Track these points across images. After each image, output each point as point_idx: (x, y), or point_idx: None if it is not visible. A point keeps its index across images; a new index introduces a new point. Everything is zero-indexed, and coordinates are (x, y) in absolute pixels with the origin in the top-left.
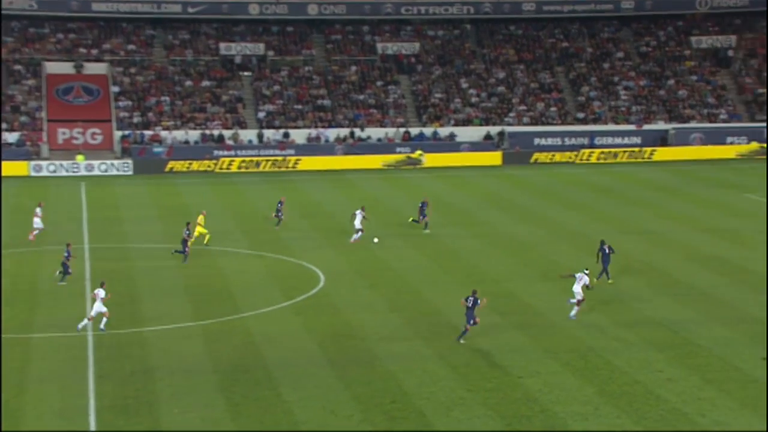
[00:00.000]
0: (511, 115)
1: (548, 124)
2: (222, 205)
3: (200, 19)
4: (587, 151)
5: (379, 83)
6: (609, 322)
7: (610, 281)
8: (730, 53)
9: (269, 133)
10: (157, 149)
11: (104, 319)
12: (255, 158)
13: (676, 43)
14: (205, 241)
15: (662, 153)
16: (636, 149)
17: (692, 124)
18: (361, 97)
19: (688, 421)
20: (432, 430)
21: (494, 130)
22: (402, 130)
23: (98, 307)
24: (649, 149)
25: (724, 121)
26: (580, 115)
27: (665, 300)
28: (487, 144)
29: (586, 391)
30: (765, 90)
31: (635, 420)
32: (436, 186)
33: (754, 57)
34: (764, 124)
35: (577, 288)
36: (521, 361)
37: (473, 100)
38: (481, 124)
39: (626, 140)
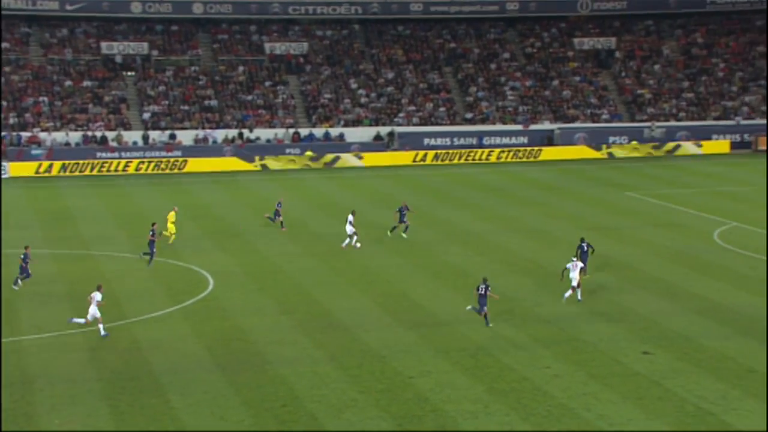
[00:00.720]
0: (401, 115)
1: (437, 124)
2: (106, 208)
3: (79, 17)
4: (476, 150)
5: (267, 84)
6: (498, 320)
7: (587, 276)
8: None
9: (155, 135)
10: (36, 151)
11: (100, 325)
12: (140, 160)
13: (560, 45)
14: (170, 241)
15: (548, 152)
16: (523, 149)
17: (576, 124)
18: (250, 97)
19: (573, 416)
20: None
21: (384, 130)
22: (291, 131)
23: (93, 311)
24: (535, 149)
25: (607, 121)
26: (469, 116)
27: (552, 298)
28: (377, 144)
29: (476, 390)
30: (644, 91)
31: (523, 416)
32: (327, 187)
33: (632, 59)
34: (645, 124)
35: (574, 274)
36: (412, 361)
37: (363, 100)
38: (370, 125)
39: (513, 140)
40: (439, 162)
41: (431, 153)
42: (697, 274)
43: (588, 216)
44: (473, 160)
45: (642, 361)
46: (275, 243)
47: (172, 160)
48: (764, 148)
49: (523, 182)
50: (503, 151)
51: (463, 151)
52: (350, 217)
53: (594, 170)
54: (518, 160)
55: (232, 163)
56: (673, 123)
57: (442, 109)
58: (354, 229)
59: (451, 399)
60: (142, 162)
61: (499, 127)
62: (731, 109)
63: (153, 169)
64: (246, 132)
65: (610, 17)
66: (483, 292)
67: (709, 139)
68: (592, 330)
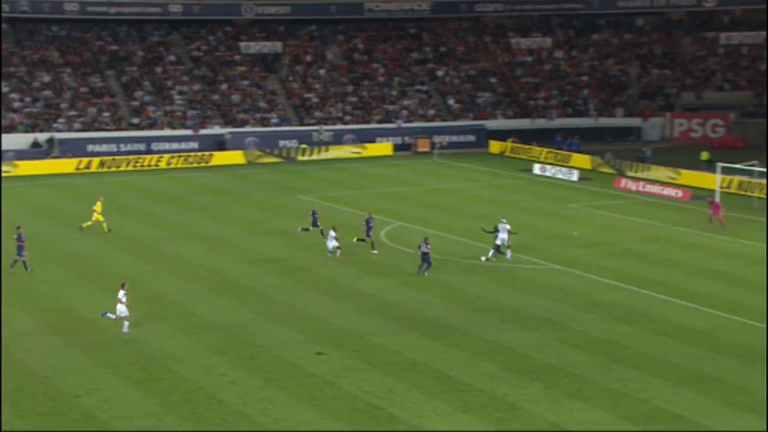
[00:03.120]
0: (61, 120)
1: (102, 129)
2: None
3: None
4: (145, 157)
5: None
6: (172, 330)
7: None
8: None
9: None
10: None
11: (125, 323)
12: None
13: (227, 48)
14: (92, 223)
15: (219, 157)
16: (193, 154)
17: (247, 129)
18: None
19: (249, 422)
20: None
21: (42, 136)
22: None
23: (121, 309)
24: (206, 154)
25: (277, 125)
26: (135, 121)
27: (227, 303)
28: (35, 152)
29: (148, 403)
30: (311, 95)
31: (198, 427)
32: None
33: (299, 63)
34: (313, 128)
35: (504, 235)
36: (79, 379)
37: (16, 105)
38: (26, 131)
39: (183, 145)
40: (105, 169)
41: (96, 160)
42: (366, 274)
43: (261, 220)
44: (142, 166)
45: (316, 361)
46: None
47: None
48: (425, 149)
49: (195, 188)
50: (173, 157)
51: (130, 157)
52: (332, 233)
53: (266, 174)
54: (189, 165)
55: None
56: (340, 126)
57: (106, 114)
58: (336, 243)
59: (121, 415)
60: None
61: (168, 132)
62: (392, 113)
63: None
64: None
65: (275, 21)
66: (426, 249)
67: (374, 141)
68: (266, 334)
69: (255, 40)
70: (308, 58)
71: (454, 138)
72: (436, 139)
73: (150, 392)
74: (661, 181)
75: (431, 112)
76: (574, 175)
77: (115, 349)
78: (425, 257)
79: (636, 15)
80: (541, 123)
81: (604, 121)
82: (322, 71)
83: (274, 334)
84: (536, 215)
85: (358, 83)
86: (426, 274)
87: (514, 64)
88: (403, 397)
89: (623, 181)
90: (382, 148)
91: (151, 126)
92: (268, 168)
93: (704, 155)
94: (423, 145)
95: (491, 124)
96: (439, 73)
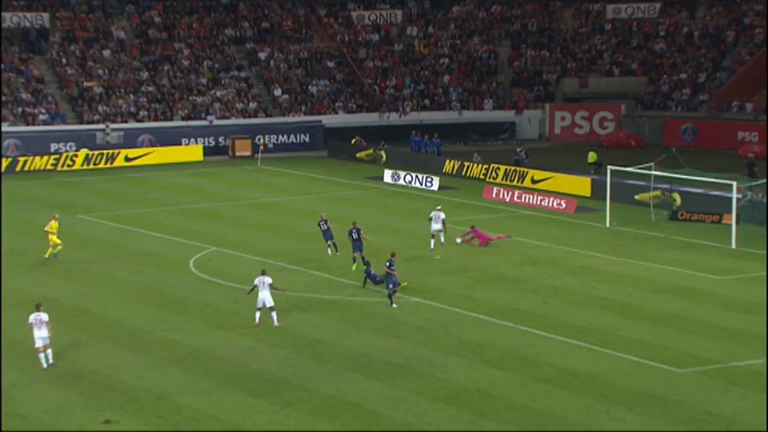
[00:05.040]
0: None
1: None
2: None
3: None
4: None
5: None
6: None
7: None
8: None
9: None
10: None
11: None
12: None
13: None
14: (53, 251)
15: None
16: None
17: (5, 127)
18: None
19: None
20: None
21: None
22: None
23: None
24: None
25: (46, 123)
26: None
27: None
28: None
29: None
30: (92, 83)
31: None
32: None
33: (74, 41)
34: (97, 126)
35: (437, 225)
36: None
37: None
38: None
39: None
40: None
41: None
42: (170, 314)
43: (26, 249)
44: None
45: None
46: None
47: None
48: (245, 153)
49: None
50: None
51: None
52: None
53: (32, 187)
54: None
55: None
56: (133, 124)
57: None
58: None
59: None
60: None
61: None
62: (202, 107)
63: None
64: None
65: None
66: (391, 266)
67: (178, 143)
68: (35, 399)
69: (12, 10)
70: (87, 34)
71: (283, 138)
72: (260, 139)
73: None
74: (541, 190)
75: (252, 105)
76: (435, 184)
77: None
78: (387, 277)
79: None
80: (392, 118)
81: (470, 115)
82: (106, 52)
83: (46, 399)
84: (388, 234)
85: (156, 68)
86: (393, 298)
87: (357, 43)
88: None
89: (494, 190)
90: (190, 152)
91: None
92: (34, 179)
93: (591, 156)
94: (242, 148)
95: (329, 119)
96: (262, 55)
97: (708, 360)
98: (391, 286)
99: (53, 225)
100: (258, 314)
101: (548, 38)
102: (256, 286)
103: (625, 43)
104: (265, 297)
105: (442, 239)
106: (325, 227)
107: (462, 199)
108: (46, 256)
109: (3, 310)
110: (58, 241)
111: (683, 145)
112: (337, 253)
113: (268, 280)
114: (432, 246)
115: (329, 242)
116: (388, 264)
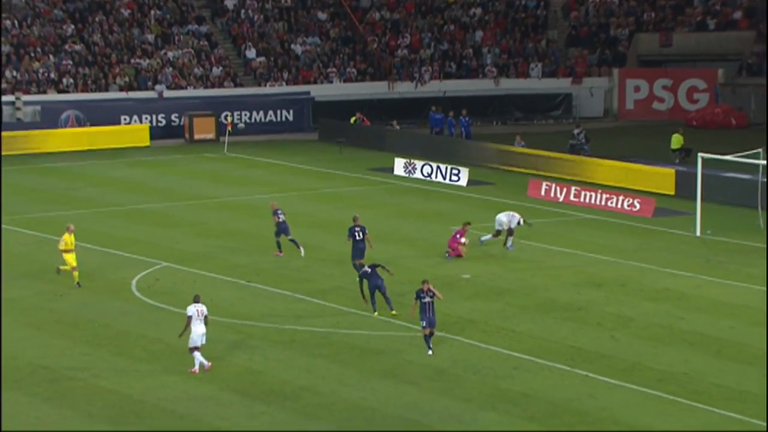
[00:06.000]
0: None
1: None
2: None
3: None
4: None
5: None
6: None
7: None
8: None
9: None
10: None
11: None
12: None
13: None
14: (76, 276)
15: None
16: None
17: None
18: None
19: None
20: None
21: None
22: None
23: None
24: None
25: None
26: None
27: None
28: None
29: None
30: (2, 42)
31: None
32: None
33: None
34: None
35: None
36: None
37: None
38: None
39: None
40: None
41: None
42: (109, 353)
43: None
44: None
45: None
46: None
47: None
48: (207, 135)
49: None
50: None
51: None
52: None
53: None
54: None
55: None
56: (53, 96)
57: None
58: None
59: None
60: None
61: None
62: (147, 73)
63: None
64: None
65: None
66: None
67: (116, 123)
68: None
69: None
70: None
71: (259, 116)
72: (227, 117)
73: None
74: (607, 186)
75: (217, 71)
76: (462, 177)
77: None
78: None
79: None
80: (405, 89)
81: (511, 85)
82: None
83: None
84: (401, 246)
85: (85, 20)
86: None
87: None
88: None
89: (543, 186)
90: (131, 133)
91: None
92: None
93: (676, 140)
94: (203, 129)
95: (321, 91)
96: (229, 3)
97: None
98: (425, 324)
99: (67, 240)
100: (198, 358)
101: None
102: (190, 317)
103: None
104: (203, 332)
105: (509, 243)
106: (282, 218)
107: (499, 197)
108: (76, 281)
109: None
110: (75, 263)
111: None
112: (301, 254)
113: (205, 310)
114: (509, 243)
115: (282, 239)
116: (422, 296)
